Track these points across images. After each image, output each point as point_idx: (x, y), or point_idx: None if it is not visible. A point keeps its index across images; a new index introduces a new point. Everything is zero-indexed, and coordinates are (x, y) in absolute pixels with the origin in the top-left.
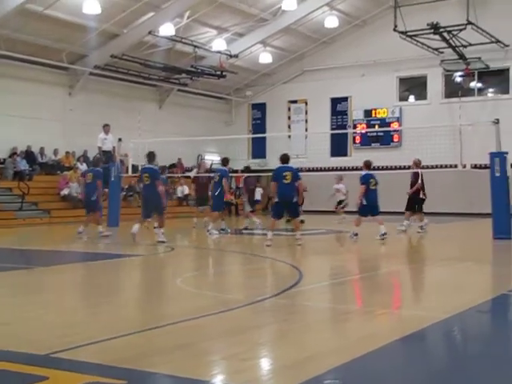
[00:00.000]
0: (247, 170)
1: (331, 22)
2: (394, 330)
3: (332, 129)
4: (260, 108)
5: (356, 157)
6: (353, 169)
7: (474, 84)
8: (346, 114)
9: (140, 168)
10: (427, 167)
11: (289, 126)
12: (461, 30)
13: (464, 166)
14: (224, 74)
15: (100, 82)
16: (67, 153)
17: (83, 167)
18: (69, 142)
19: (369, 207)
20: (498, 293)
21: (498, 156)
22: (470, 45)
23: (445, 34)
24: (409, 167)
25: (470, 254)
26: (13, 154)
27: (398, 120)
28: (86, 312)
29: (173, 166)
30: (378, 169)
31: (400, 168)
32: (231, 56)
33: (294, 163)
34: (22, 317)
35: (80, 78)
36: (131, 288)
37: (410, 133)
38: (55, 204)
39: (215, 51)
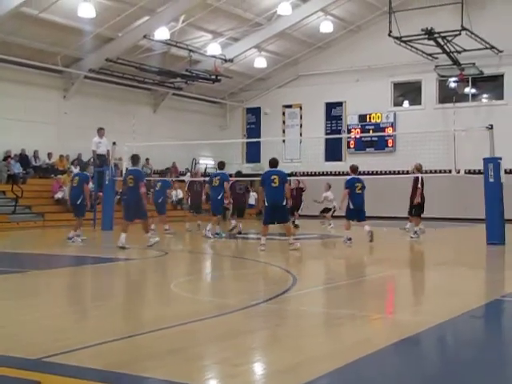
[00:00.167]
0: (239, 174)
1: (326, 27)
2: (388, 334)
3: (326, 133)
4: (254, 112)
5: (350, 162)
6: (347, 174)
7: (468, 90)
8: (341, 119)
9: (124, 170)
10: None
11: (283, 131)
12: (455, 36)
13: (458, 172)
14: (219, 78)
15: (95, 85)
16: (61, 156)
17: (77, 171)
18: (63, 146)
19: (355, 211)
20: (491, 298)
21: (492, 162)
22: (465, 50)
23: (439, 40)
24: (403, 172)
25: (463, 260)
26: (7, 157)
27: (393, 125)
28: (78, 316)
29: (167, 169)
30: (372, 174)
31: (394, 173)
32: (226, 60)
33: (288, 168)
34: (15, 320)
35: (75, 82)
36: (124, 292)
37: (404, 138)
38: (49, 207)
39: (210, 55)
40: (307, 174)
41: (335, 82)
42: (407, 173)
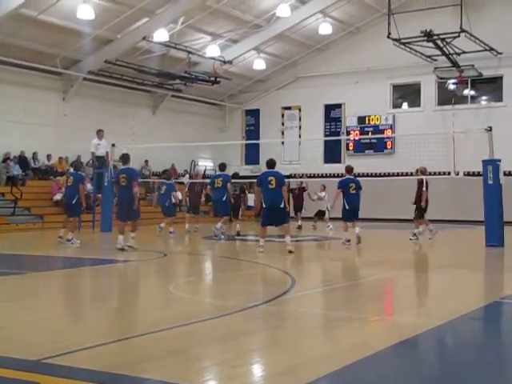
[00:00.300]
0: (235, 176)
1: (325, 28)
2: (387, 336)
3: (325, 135)
4: (254, 114)
5: (349, 164)
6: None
7: (468, 91)
8: (340, 121)
9: (116, 170)
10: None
11: (282, 133)
12: (454, 38)
13: (457, 174)
14: (218, 80)
15: (94, 87)
16: (60, 158)
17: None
18: (62, 147)
19: (351, 211)
20: (490, 300)
21: (491, 163)
22: (464, 52)
23: (438, 42)
24: (402, 174)
25: (462, 262)
26: (6, 158)
27: (392, 127)
28: (77, 318)
29: (166, 171)
30: (371, 176)
31: (393, 175)
32: (225, 62)
33: (287, 170)
34: (14, 321)
35: (74, 84)
36: (123, 294)
37: (403, 140)
38: (48, 209)
39: (209, 57)
40: (306, 176)
41: (334, 84)
42: (411, 175)
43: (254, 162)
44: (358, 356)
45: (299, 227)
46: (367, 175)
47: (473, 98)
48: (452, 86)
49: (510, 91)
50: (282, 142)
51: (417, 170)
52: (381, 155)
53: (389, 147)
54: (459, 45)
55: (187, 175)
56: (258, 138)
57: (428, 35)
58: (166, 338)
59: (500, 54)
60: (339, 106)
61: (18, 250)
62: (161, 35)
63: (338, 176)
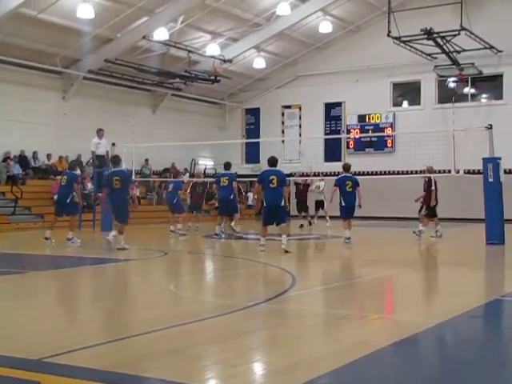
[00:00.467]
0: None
1: (325, 27)
2: (387, 335)
3: (326, 134)
4: (254, 113)
5: (350, 162)
6: None
7: (468, 90)
8: (340, 120)
9: (108, 172)
10: (420, 172)
11: (282, 131)
12: (454, 36)
13: (457, 172)
14: (218, 78)
15: (94, 86)
16: (60, 157)
17: (77, 172)
18: (62, 147)
19: (347, 208)
20: (490, 298)
21: (491, 161)
22: (464, 50)
23: (438, 40)
24: (402, 172)
25: (463, 260)
26: (6, 158)
27: (392, 125)
28: (77, 317)
29: (166, 170)
30: (371, 174)
31: (393, 173)
32: (225, 61)
33: (287, 168)
34: (14, 321)
35: (74, 83)
36: (124, 293)
37: (403, 138)
38: (48, 208)
39: (209, 56)
40: (306, 175)
41: (334, 83)
42: (412, 173)
43: (254, 161)
44: (358, 354)
45: (301, 226)
46: (367, 173)
47: (473, 96)
48: (452, 84)
49: (510, 89)
50: (283, 141)
51: (423, 171)
52: (381, 153)
53: (389, 145)
54: (459, 43)
55: (187, 174)
56: (258, 137)
57: (428, 33)
58: (167, 336)
59: (500, 51)
60: (339, 104)
61: (19, 250)
62: (161, 34)
63: (338, 175)
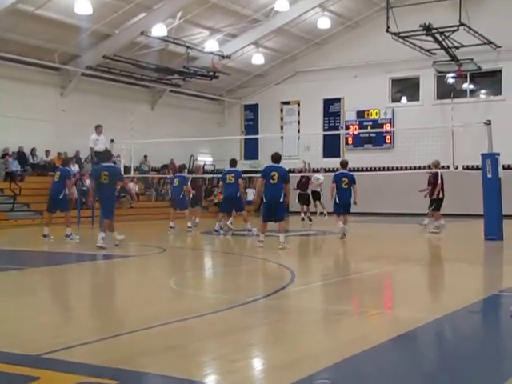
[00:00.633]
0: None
1: (324, 23)
2: (386, 330)
3: (324, 130)
4: (252, 109)
5: (348, 158)
6: None
7: (467, 85)
8: (339, 115)
9: (97, 167)
10: (419, 168)
11: (281, 127)
12: (453, 32)
13: (456, 168)
14: (216, 74)
15: (92, 82)
16: (59, 154)
17: (75, 168)
18: (61, 143)
19: (341, 205)
20: (489, 293)
21: (490, 157)
22: (463, 46)
23: (437, 36)
24: (401, 168)
25: (461, 255)
26: (4, 154)
27: (391, 121)
28: (76, 313)
29: (165, 166)
30: (370, 170)
31: (392, 169)
32: (224, 57)
33: (286, 164)
34: (13, 317)
35: (72, 79)
36: (123, 289)
37: (402, 134)
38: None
39: (208, 52)
40: (305, 171)
41: (333, 79)
42: (429, 167)
43: (253, 157)
44: (357, 350)
45: (303, 219)
46: (366, 169)
47: (472, 91)
48: (451, 80)
49: (509, 85)
50: (281, 137)
51: (429, 166)
52: (380, 149)
53: (388, 141)
54: (458, 38)
55: (185, 170)
56: (256, 133)
57: (427, 29)
58: (166, 332)
59: (499, 47)
60: (338, 100)
61: (18, 246)
62: (159, 30)
63: (336, 171)
